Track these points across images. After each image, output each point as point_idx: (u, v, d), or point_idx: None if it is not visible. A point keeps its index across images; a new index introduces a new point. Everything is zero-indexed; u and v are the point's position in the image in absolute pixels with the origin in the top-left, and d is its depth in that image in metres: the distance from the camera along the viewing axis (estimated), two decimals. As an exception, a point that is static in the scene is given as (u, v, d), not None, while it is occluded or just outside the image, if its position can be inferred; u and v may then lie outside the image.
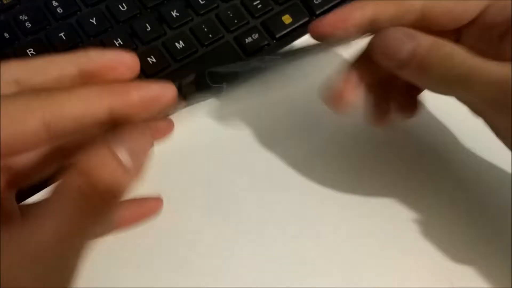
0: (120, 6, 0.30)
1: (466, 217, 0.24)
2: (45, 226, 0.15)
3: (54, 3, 0.30)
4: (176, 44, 0.30)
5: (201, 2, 0.31)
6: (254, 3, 0.31)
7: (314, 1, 0.32)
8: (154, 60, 0.29)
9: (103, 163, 0.16)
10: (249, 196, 0.26)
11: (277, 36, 0.31)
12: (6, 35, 0.29)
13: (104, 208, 0.16)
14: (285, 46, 0.30)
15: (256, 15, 0.31)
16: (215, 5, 0.31)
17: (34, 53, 0.29)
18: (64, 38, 0.29)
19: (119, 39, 0.29)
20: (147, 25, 0.30)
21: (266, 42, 0.30)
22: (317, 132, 0.28)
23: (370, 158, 0.28)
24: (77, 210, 0.15)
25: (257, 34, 0.30)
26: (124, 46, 0.29)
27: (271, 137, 0.28)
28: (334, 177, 0.27)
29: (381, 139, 0.28)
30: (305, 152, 0.28)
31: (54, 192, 0.15)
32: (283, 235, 0.26)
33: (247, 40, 0.30)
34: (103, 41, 0.29)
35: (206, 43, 0.30)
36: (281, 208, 0.26)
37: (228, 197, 0.26)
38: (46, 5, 0.30)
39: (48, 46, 0.29)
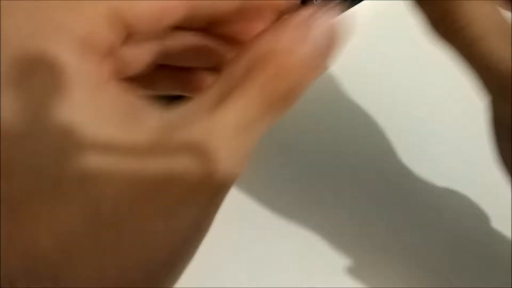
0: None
1: (466, 216, 0.24)
2: (226, 117, 0.14)
3: None
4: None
5: None
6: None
7: (314, 2, 0.32)
8: None
9: (286, 59, 0.15)
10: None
11: None
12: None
13: (281, 105, 0.15)
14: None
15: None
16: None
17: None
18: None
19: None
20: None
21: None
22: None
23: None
24: (264, 98, 0.14)
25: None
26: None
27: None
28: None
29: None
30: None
31: (225, 81, 0.14)
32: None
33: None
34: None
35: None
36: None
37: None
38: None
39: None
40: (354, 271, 0.25)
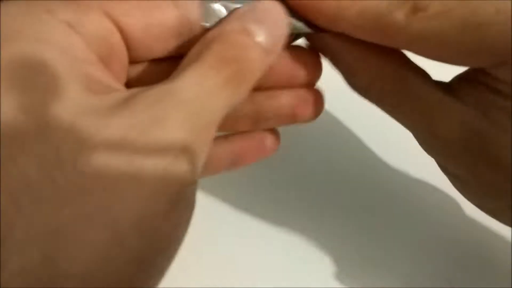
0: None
1: (466, 216, 0.24)
2: (187, 82, 0.14)
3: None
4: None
5: None
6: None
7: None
8: None
9: (236, 36, 0.15)
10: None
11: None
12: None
13: (239, 80, 0.15)
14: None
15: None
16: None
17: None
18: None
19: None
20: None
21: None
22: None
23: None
24: (213, 69, 0.15)
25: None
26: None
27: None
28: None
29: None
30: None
31: (194, 59, 0.15)
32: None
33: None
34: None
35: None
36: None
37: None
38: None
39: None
40: (351, 272, 0.26)
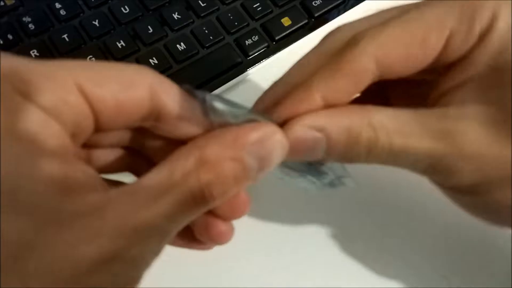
0: (122, 8, 0.31)
1: (466, 216, 0.24)
2: (156, 206, 0.15)
3: (57, 5, 0.31)
4: (178, 46, 0.30)
5: (202, 5, 0.31)
6: (254, 6, 0.32)
7: (313, 3, 0.32)
8: (156, 62, 0.29)
9: (230, 167, 0.16)
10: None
11: (276, 38, 0.31)
12: (10, 36, 0.29)
13: (213, 204, 0.17)
14: (284, 48, 0.31)
15: (256, 18, 0.31)
16: (216, 7, 0.32)
17: (38, 54, 0.29)
18: (67, 39, 0.30)
19: (121, 41, 0.30)
20: (149, 27, 0.30)
21: (265, 44, 0.31)
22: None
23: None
24: (192, 201, 0.16)
25: (257, 36, 0.31)
26: (126, 48, 0.30)
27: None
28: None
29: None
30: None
31: (171, 172, 0.16)
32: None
33: (247, 42, 0.31)
34: (105, 43, 0.30)
35: (206, 45, 0.30)
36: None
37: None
38: (49, 7, 0.31)
39: (51, 48, 0.29)
40: (351, 270, 0.26)
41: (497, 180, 0.18)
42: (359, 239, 0.26)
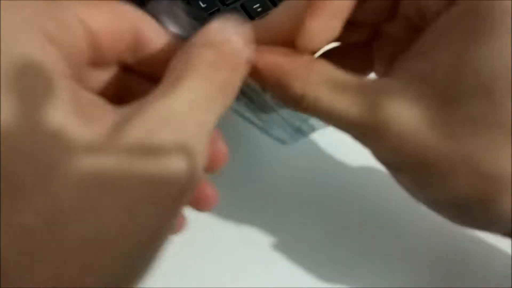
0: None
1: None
2: (182, 96, 0.15)
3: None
4: (178, 46, 0.30)
5: (202, 6, 0.32)
6: (254, 7, 0.32)
7: (313, 4, 0.32)
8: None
9: (230, 39, 0.16)
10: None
11: (277, 38, 0.31)
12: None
13: (229, 86, 0.17)
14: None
15: (256, 18, 0.32)
16: (216, 8, 0.32)
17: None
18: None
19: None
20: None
21: (265, 45, 0.31)
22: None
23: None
24: (211, 83, 0.15)
25: (257, 37, 0.31)
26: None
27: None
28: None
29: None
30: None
31: (182, 68, 0.16)
32: None
33: (247, 43, 0.31)
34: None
35: (207, 46, 0.30)
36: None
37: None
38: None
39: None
40: (351, 270, 0.26)
41: (417, 163, 0.18)
42: (359, 239, 0.27)
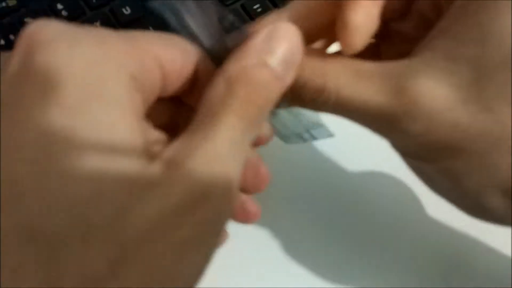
0: (124, 9, 0.31)
1: (465, 216, 0.24)
2: (222, 137, 0.15)
3: (59, 6, 0.31)
4: (178, 46, 0.30)
5: (203, 6, 0.32)
6: (254, 7, 0.32)
7: (313, 5, 0.32)
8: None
9: (257, 74, 0.16)
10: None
11: (277, 39, 0.31)
12: (12, 37, 0.30)
13: (260, 116, 0.17)
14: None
15: (256, 19, 0.32)
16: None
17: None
18: (69, 40, 0.30)
19: (122, 41, 0.30)
20: (150, 28, 0.31)
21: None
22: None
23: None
24: (246, 120, 0.16)
25: (257, 37, 0.31)
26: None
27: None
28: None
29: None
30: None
31: (211, 106, 0.16)
32: None
33: (247, 43, 0.31)
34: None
35: (207, 46, 0.30)
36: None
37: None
38: (51, 8, 0.31)
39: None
40: (351, 269, 0.26)
41: (450, 148, 0.17)
42: (359, 239, 0.27)
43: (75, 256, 0.13)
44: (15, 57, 0.14)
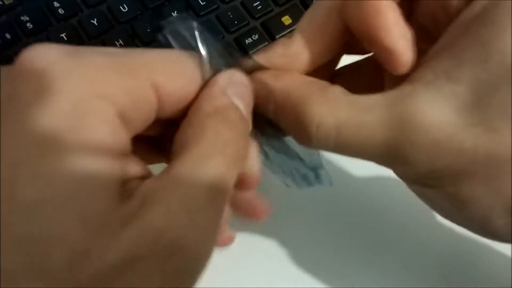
0: (121, 7, 0.31)
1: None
2: (206, 176, 0.15)
3: (56, 4, 0.30)
4: (177, 44, 0.30)
5: (201, 3, 0.31)
6: (254, 4, 0.31)
7: (313, 1, 0.32)
8: (155, 61, 0.29)
9: (237, 105, 0.17)
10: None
11: (277, 37, 0.31)
12: (8, 36, 0.29)
13: (245, 150, 0.17)
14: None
15: (256, 16, 0.31)
16: (215, 6, 0.31)
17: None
18: (66, 39, 0.29)
19: (120, 40, 0.30)
20: (147, 26, 0.30)
21: (266, 43, 0.31)
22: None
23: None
24: (231, 157, 0.16)
25: (257, 35, 0.31)
26: (124, 47, 0.30)
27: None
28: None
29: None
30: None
31: (201, 144, 0.16)
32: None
33: (247, 41, 0.30)
34: (104, 42, 0.30)
35: (206, 44, 0.30)
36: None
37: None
38: (48, 6, 0.30)
39: (49, 47, 0.29)
40: (351, 269, 0.26)
41: (456, 173, 0.16)
42: (360, 240, 0.27)
43: None
44: (5, 84, 0.14)
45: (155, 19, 0.31)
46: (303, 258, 0.26)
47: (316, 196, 0.27)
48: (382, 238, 0.27)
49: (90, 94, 0.14)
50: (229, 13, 0.31)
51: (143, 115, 0.16)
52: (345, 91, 0.17)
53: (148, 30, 0.30)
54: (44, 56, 0.14)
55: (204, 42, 0.17)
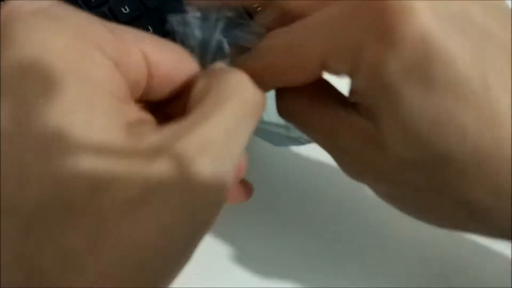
0: (122, 8, 0.31)
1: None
2: (216, 122, 0.15)
3: (57, 5, 0.31)
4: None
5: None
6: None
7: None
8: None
9: (247, 82, 0.17)
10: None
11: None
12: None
13: (256, 117, 0.18)
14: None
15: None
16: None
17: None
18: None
19: (121, 41, 0.30)
20: (149, 27, 0.30)
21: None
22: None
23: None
24: (241, 114, 0.16)
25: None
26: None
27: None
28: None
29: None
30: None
31: (219, 95, 0.16)
32: None
33: (247, 42, 0.30)
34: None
35: (207, 45, 0.30)
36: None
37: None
38: (49, 7, 0.31)
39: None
40: (351, 269, 0.26)
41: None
42: (358, 239, 0.27)
43: (54, 230, 0.13)
44: None
45: (156, 19, 0.31)
46: (303, 258, 0.26)
47: (313, 195, 0.27)
48: (381, 238, 0.27)
49: (81, 39, 0.14)
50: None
51: (135, 73, 0.16)
52: None
53: (150, 31, 0.30)
54: (26, 10, 0.14)
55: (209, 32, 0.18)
